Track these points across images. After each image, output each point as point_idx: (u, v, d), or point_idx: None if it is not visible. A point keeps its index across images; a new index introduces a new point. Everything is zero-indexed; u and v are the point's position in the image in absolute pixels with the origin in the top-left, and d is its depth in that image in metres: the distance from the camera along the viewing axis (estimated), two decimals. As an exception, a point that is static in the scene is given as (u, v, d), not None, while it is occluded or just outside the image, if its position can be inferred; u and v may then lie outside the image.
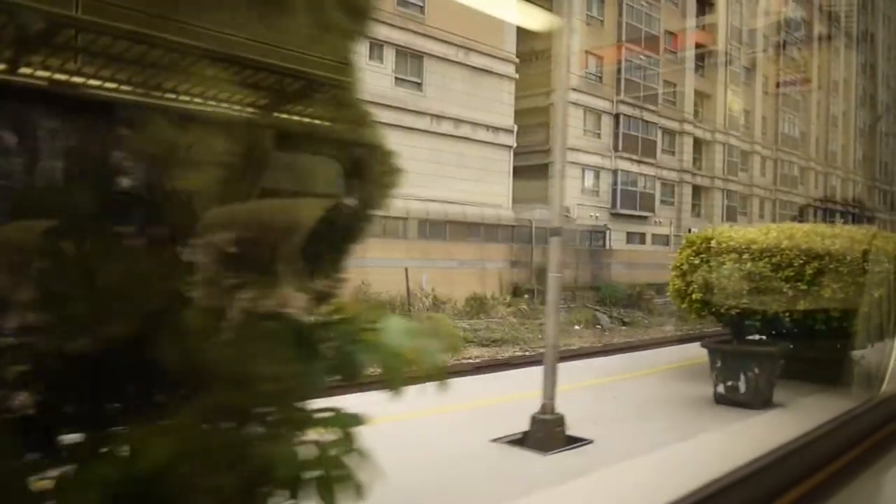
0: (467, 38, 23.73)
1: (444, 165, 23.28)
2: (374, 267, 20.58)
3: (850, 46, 49.66)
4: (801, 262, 6.40)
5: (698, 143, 37.47)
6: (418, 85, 23.01)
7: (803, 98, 45.74)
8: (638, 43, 31.77)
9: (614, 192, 31.22)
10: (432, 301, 19.89)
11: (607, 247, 29.06)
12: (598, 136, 30.83)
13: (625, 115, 31.41)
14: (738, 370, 6.43)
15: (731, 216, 38.55)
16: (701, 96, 37.23)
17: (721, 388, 6.72)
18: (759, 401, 6.44)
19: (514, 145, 25.96)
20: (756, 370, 6.31)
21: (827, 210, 49.00)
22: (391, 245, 21.30)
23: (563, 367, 11.08)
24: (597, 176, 30.78)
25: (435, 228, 22.74)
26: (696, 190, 37.21)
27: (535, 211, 28.07)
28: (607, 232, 29.17)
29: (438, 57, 23.28)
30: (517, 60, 26.02)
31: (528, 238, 25.50)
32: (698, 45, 36.32)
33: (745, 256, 6.52)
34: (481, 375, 10.06)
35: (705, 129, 37.32)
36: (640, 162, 32.06)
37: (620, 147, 31.23)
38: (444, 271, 22.41)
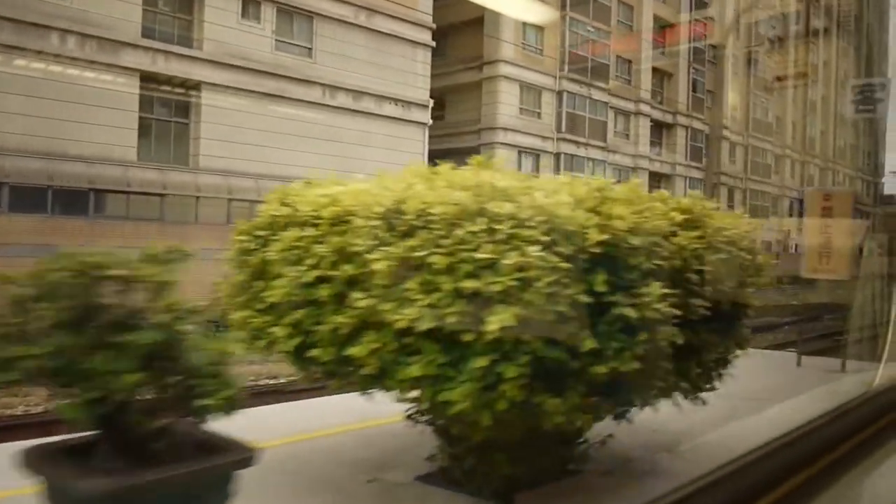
0: (371, -1, 20.68)
1: (340, 143, 20.26)
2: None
3: (831, 28, 46.61)
4: (390, 240, 2.81)
5: (658, 126, 34.45)
6: (307, 50, 19.93)
7: (778, 80, 42.67)
8: (585, 12, 28.68)
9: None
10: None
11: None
12: (538, 115, 27.79)
13: (570, 92, 28.35)
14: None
15: (694, 206, 35.62)
16: (661, 75, 34.18)
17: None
18: None
19: (430, 122, 22.92)
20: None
21: (803, 201, 46.10)
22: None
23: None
24: (536, 160, 27.76)
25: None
26: (655, 177, 34.17)
27: (460, 198, 25.09)
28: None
29: (333, 18, 20.20)
30: (434, 26, 22.94)
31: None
32: (658, 19, 33.26)
33: (310, 232, 3.24)
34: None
35: (665, 111, 34.28)
36: (587, 145, 29.05)
37: (564, 128, 28.20)
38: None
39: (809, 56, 44.28)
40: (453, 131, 27.43)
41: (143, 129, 17.10)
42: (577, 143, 28.61)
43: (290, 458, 3.89)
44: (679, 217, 3.36)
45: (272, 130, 18.79)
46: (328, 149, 19.91)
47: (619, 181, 3.83)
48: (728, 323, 3.52)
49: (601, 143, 29.74)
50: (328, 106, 20.14)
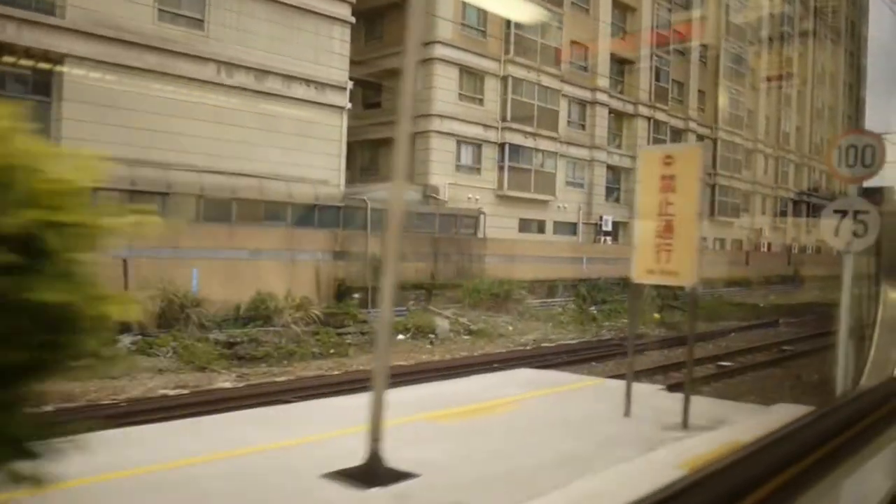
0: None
1: (240, 128, 18.14)
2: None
3: (807, 20, 44.77)
4: None
5: (618, 117, 32.42)
6: (198, 22, 17.76)
7: (751, 72, 40.77)
8: (533, -8, 26.59)
9: (501, 169, 26.15)
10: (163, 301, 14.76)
11: (481, 235, 24.01)
12: (480, 102, 25.71)
13: (516, 78, 26.28)
14: None
15: (657, 202, 33.61)
16: (621, 63, 32.13)
17: None
18: None
19: (348, 106, 20.78)
20: None
21: (778, 198, 44.33)
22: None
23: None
24: (478, 150, 25.69)
25: (217, 208, 17.59)
26: (614, 171, 32.19)
27: (384, 190, 23.01)
28: (481, 217, 24.09)
29: (229, -13, 18.06)
30: (353, 0, 20.79)
31: (364, 223, 20.39)
32: (618, 3, 31.21)
33: None
34: None
35: (626, 101, 32.24)
36: (536, 135, 26.99)
37: (510, 116, 26.13)
38: (229, 264, 17.34)
39: (785, 49, 42.42)
40: (390, 119, 25.33)
41: (-9, 106, 14.90)
42: (524, 132, 26.54)
43: None
44: None
45: (154, 111, 16.63)
46: (225, 133, 17.79)
47: None
48: None
49: (552, 134, 27.69)
50: (224, 85, 18.00)
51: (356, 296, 19.94)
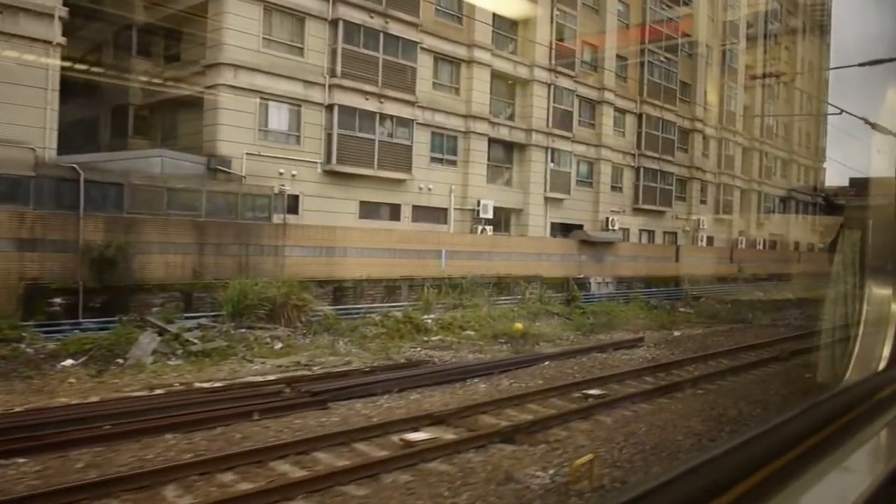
0: None
1: None
2: None
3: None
4: None
5: (508, 82, 26.95)
6: None
7: (690, 39, 35.33)
8: (375, -85, 21.05)
9: (329, 138, 20.65)
10: None
11: (282, 221, 18.53)
12: (300, 51, 20.18)
13: (350, 22, 20.76)
14: None
15: (560, 186, 28.19)
16: (508, 22, 26.61)
17: None
18: None
19: (59, 40, 15.20)
20: None
21: (721, 186, 39.00)
22: None
23: None
24: (295, 113, 20.18)
25: None
26: (504, 147, 26.76)
27: (153, 159, 17.52)
28: (275, 198, 18.58)
29: None
30: None
31: (75, 201, 14.85)
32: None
33: None
34: None
35: (517, 62, 26.75)
36: (382, 97, 21.49)
37: (341, 71, 20.62)
38: None
39: (729, 14, 37.06)
40: (183, 73, 19.89)
41: None
42: (364, 93, 21.04)
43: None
44: None
45: None
46: None
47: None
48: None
49: (407, 97, 22.19)
50: None
51: (58, 301, 14.49)
